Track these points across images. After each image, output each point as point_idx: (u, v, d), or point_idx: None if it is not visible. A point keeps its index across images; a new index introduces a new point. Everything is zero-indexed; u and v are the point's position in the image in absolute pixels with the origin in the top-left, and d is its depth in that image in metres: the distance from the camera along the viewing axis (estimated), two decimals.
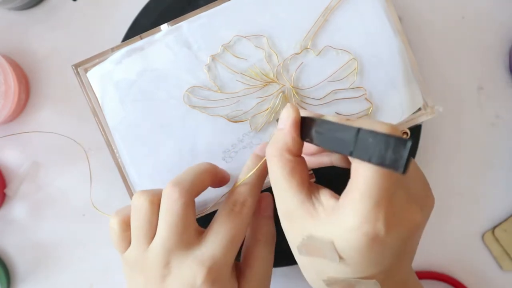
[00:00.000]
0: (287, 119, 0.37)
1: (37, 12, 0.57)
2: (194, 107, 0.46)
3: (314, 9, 0.46)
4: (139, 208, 0.39)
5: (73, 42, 0.56)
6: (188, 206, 0.38)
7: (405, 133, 0.47)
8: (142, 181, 0.47)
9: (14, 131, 0.56)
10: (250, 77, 0.46)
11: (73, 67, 0.46)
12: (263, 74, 0.46)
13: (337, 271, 0.34)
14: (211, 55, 0.46)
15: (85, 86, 0.47)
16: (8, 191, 0.56)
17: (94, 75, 0.47)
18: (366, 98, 0.46)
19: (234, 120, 0.46)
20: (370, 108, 0.46)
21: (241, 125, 0.46)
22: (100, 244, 0.57)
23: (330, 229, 0.33)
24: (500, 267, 0.56)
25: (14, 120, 0.56)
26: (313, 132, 0.34)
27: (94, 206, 0.45)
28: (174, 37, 0.46)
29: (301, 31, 0.46)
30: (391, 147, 0.27)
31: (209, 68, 0.46)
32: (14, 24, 0.57)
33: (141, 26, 0.52)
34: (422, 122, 0.47)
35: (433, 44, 0.56)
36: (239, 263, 0.43)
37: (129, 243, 0.41)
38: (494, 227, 0.56)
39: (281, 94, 0.46)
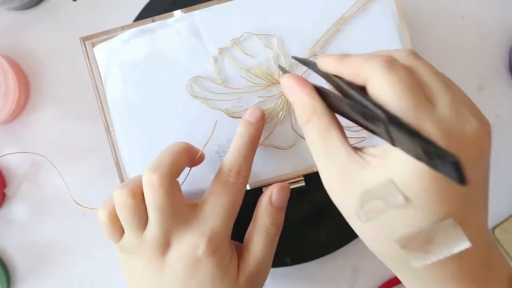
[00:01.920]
0: (299, 86, 0.36)
1: (37, 12, 0.57)
2: (195, 97, 0.46)
3: (328, 17, 0.46)
4: (123, 204, 0.39)
5: (73, 42, 0.55)
6: (172, 187, 0.38)
7: None
8: (133, 163, 0.47)
9: (14, 131, 0.56)
10: (255, 75, 0.46)
11: (81, 40, 0.46)
12: (268, 74, 0.46)
13: (407, 223, 0.30)
14: (219, 48, 0.46)
15: (90, 60, 0.47)
16: (8, 191, 0.56)
17: (100, 50, 0.47)
18: None
19: (233, 115, 0.46)
20: None
21: (239, 122, 0.46)
22: (100, 244, 0.56)
23: (387, 172, 0.29)
24: None
25: (14, 120, 0.57)
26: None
27: (76, 202, 0.45)
28: (186, 24, 0.46)
29: (312, 37, 0.46)
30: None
31: (215, 61, 0.46)
32: (14, 24, 0.57)
33: (154, 9, 0.52)
34: None
35: (433, 44, 0.56)
36: (240, 245, 0.43)
37: (122, 232, 0.41)
38: (494, 227, 0.56)
39: (283, 96, 0.46)
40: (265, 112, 0.46)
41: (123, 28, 0.46)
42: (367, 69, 0.31)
